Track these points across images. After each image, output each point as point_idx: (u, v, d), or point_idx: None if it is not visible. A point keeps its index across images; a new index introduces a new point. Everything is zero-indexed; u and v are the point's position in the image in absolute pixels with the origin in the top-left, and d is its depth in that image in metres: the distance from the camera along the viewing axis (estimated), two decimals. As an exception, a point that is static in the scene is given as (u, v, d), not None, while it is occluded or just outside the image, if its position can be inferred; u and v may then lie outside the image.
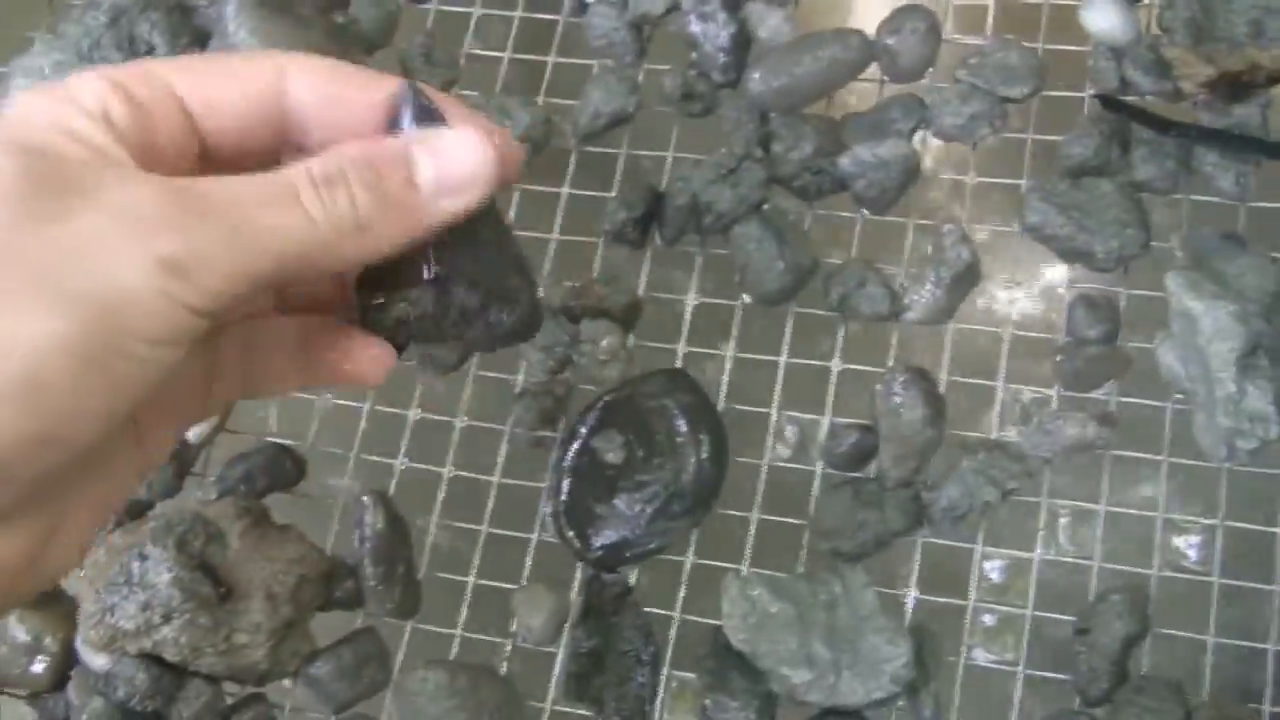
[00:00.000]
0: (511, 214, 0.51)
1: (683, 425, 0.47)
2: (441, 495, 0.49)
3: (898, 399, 0.46)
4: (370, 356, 0.30)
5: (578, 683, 0.46)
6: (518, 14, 0.55)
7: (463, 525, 0.48)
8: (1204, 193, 0.48)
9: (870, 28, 0.51)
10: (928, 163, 0.50)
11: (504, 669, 0.46)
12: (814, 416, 0.48)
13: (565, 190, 0.52)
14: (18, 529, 0.26)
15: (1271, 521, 0.45)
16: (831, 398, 0.48)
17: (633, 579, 0.47)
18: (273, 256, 0.26)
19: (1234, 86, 0.48)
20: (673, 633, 0.46)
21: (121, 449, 0.28)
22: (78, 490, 0.27)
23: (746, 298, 0.49)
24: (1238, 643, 0.44)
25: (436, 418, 0.50)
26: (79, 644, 0.46)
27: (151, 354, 0.25)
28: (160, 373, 0.25)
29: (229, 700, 0.46)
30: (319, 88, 0.29)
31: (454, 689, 0.44)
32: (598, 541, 0.47)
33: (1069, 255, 0.48)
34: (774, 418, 0.48)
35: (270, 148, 0.30)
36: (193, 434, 0.50)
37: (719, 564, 0.46)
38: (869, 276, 0.48)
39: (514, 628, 0.46)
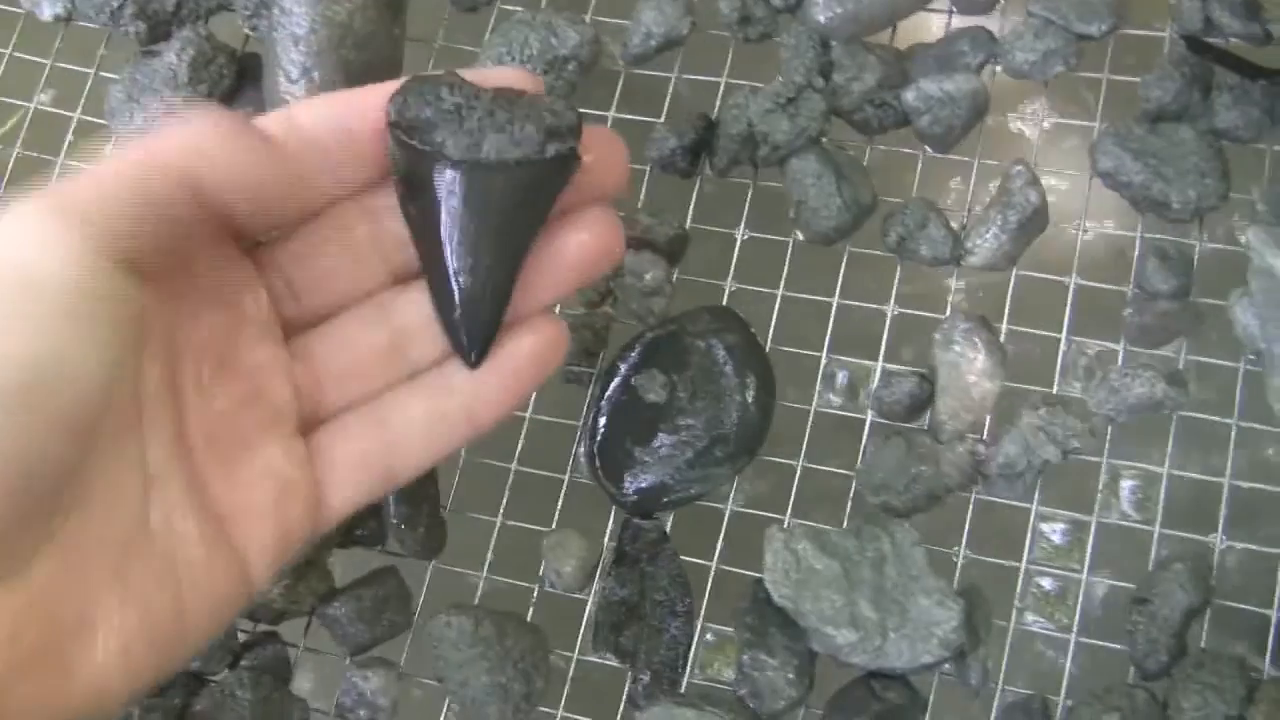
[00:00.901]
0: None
1: (729, 366, 0.44)
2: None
3: (957, 348, 0.44)
4: None
5: (608, 633, 0.43)
6: (565, -74, 0.52)
7: (492, 463, 0.45)
8: (1290, 143, 0.45)
9: (940, -46, 0.47)
10: (996, 100, 0.46)
11: (530, 615, 0.43)
12: (866, 362, 0.45)
13: (611, 114, 0.49)
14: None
15: (1348, 492, 0.42)
16: (885, 344, 0.45)
17: (669, 526, 0.44)
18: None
19: (1329, 32, 0.45)
20: (709, 584, 0.43)
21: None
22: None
23: (799, 235, 0.46)
24: (1306, 618, 0.41)
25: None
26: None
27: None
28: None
29: (241, 638, 0.44)
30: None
31: (478, 635, 0.41)
32: (633, 485, 0.44)
33: (1142, 204, 0.45)
34: (824, 362, 0.45)
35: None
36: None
37: (761, 513, 0.44)
38: (930, 218, 0.45)
39: (542, 573, 0.44)
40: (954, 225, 0.45)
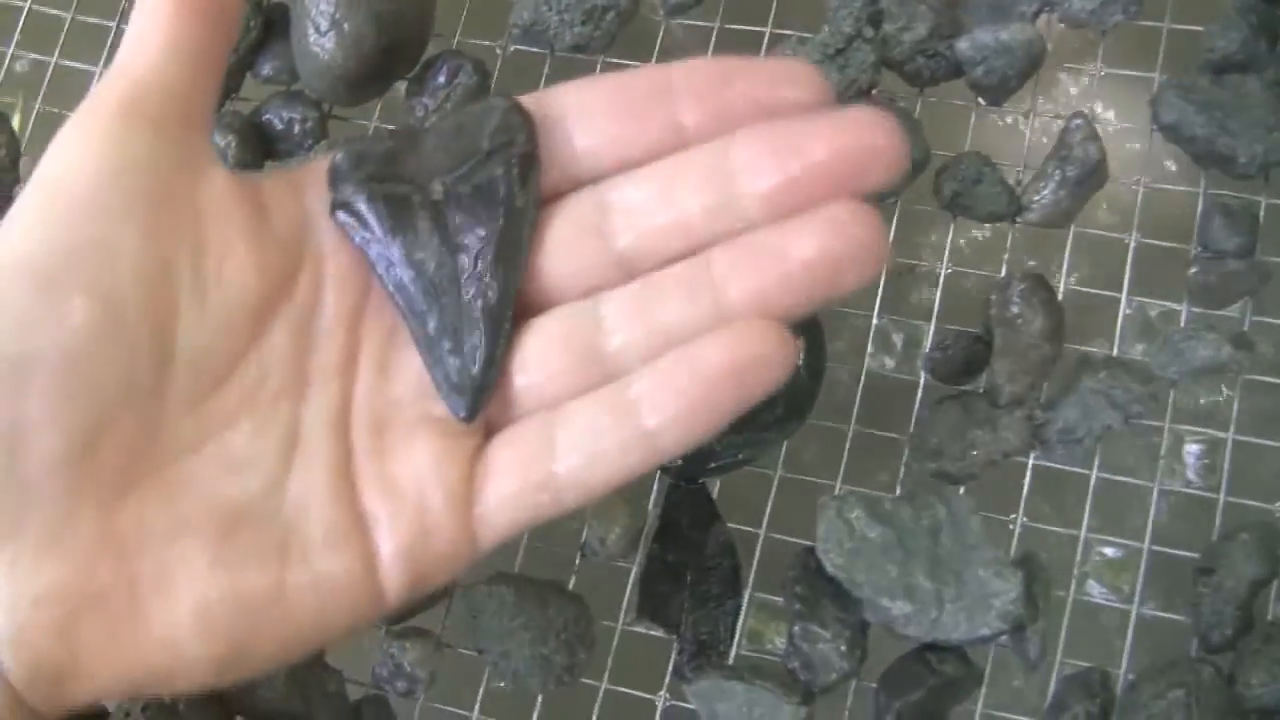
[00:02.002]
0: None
1: (777, 327, 0.42)
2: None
3: (1015, 308, 0.41)
4: None
5: (653, 602, 0.41)
6: None
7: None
8: (1364, 95, 0.42)
9: (996, -104, 0.44)
10: (1053, 50, 0.44)
11: (573, 584, 0.41)
12: (919, 323, 0.43)
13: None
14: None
15: None
16: (939, 304, 0.43)
17: (716, 492, 0.43)
18: None
19: None
20: (758, 552, 0.41)
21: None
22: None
23: None
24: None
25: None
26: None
27: None
28: None
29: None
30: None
31: (520, 605, 0.39)
32: (679, 450, 0.42)
33: (1206, 159, 0.43)
34: (875, 323, 0.43)
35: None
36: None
37: (810, 479, 0.42)
38: (985, 172, 0.43)
39: (585, 540, 0.42)
40: (1010, 180, 0.43)
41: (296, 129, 0.42)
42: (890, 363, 0.46)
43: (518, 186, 0.28)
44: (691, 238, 0.27)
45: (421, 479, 0.27)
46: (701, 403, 0.26)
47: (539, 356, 0.28)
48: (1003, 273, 0.43)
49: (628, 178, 0.28)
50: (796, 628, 0.40)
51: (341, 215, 0.28)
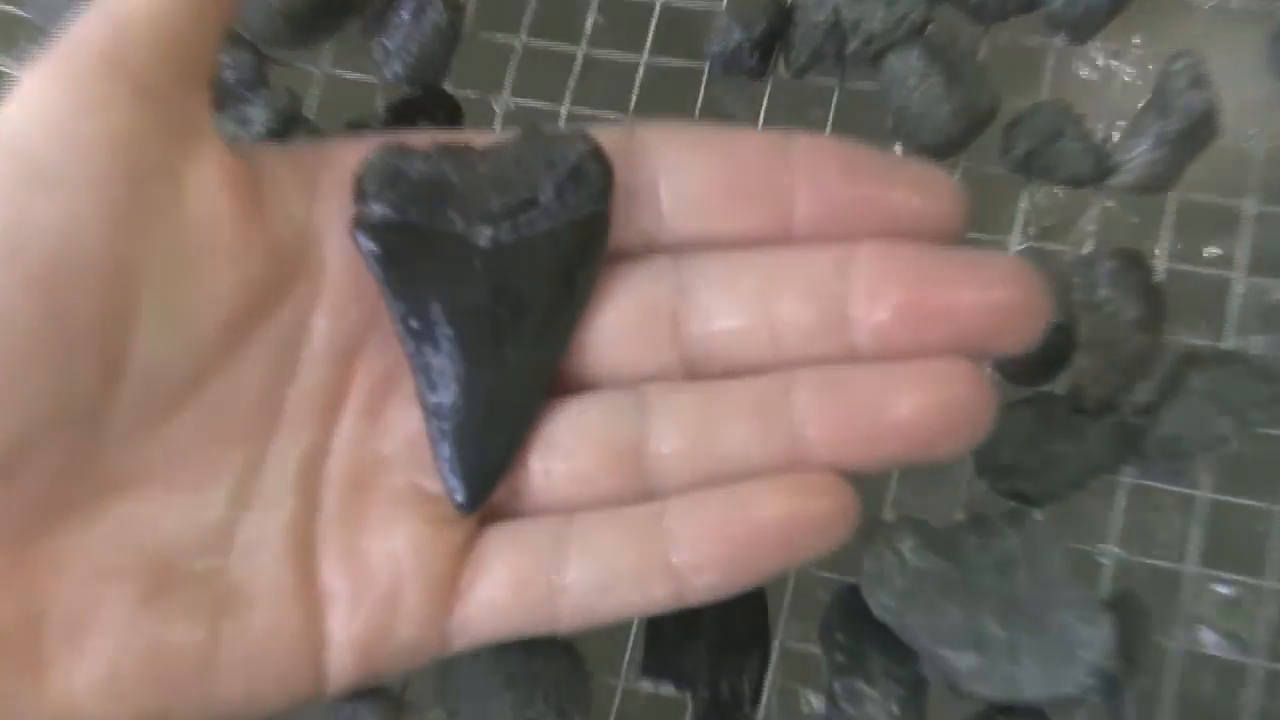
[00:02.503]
0: (587, 26, 0.42)
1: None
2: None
3: (1103, 291, 0.38)
4: None
5: (662, 653, 0.38)
6: None
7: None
8: None
9: None
10: (1148, -25, 0.40)
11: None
12: (986, 311, 0.39)
13: (660, 0, 0.42)
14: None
15: None
16: None
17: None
18: None
19: None
20: (789, 591, 0.38)
21: None
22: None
23: (899, 149, 0.40)
24: None
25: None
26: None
27: None
28: None
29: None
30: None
31: (501, 658, 0.35)
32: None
33: (1336, 107, 0.38)
34: (933, 310, 0.39)
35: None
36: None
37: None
38: (1067, 126, 0.39)
39: (579, 578, 0.38)
40: (1097, 136, 0.39)
41: (230, 77, 0.37)
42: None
43: (579, 253, 0.27)
44: (777, 353, 0.27)
45: (397, 565, 0.26)
46: (742, 556, 0.26)
47: (567, 448, 0.27)
48: (1087, 248, 0.39)
49: (718, 263, 0.27)
50: (837, 684, 0.36)
51: (363, 239, 0.26)
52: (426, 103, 0.39)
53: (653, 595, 0.26)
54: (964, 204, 0.26)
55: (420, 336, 0.26)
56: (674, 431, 0.27)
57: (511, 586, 0.27)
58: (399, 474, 0.27)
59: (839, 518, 0.26)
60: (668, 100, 0.41)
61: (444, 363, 0.26)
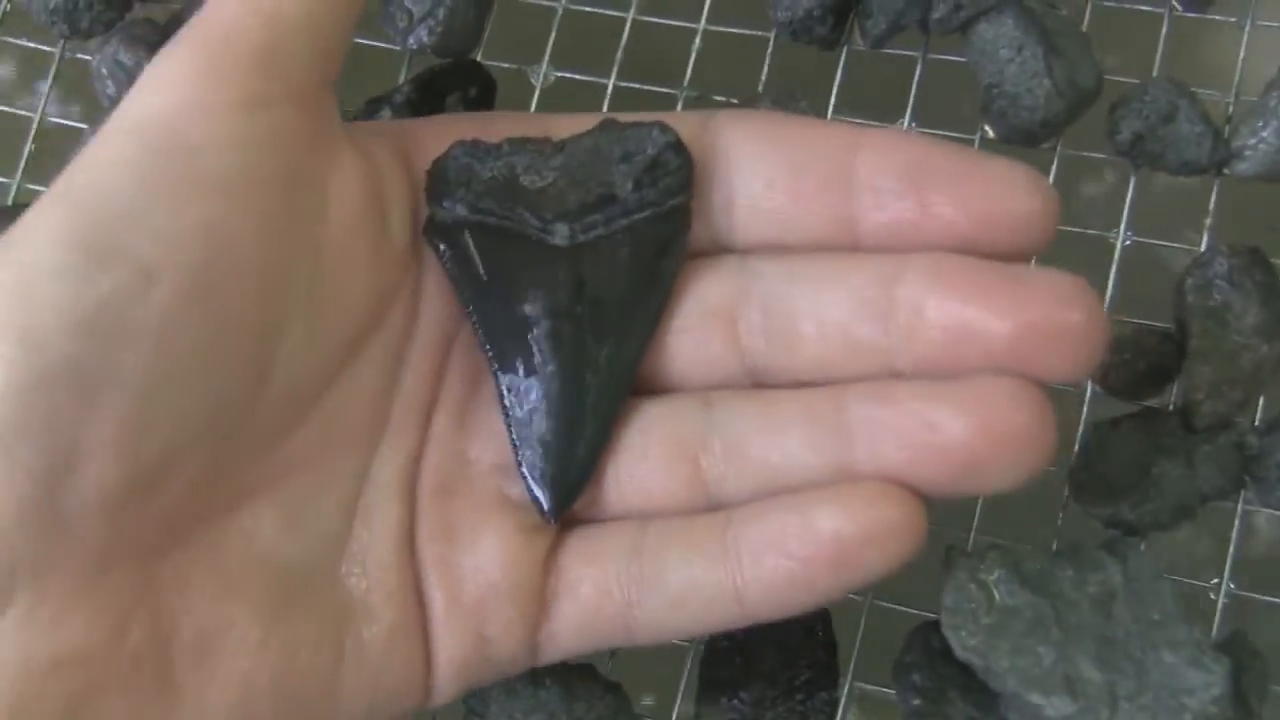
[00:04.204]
0: (640, -8, 0.44)
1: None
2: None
3: (1219, 294, 0.39)
4: None
5: (718, 693, 0.38)
6: None
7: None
8: None
9: None
10: (1276, -66, 0.41)
11: (609, 669, 0.39)
12: (1086, 315, 0.40)
13: None
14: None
15: None
16: (1113, 286, 0.40)
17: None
18: None
19: None
20: (861, 626, 0.39)
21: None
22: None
23: (989, 130, 0.41)
24: None
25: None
26: None
27: None
28: None
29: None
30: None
31: (539, 696, 0.36)
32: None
33: None
34: (1025, 312, 0.39)
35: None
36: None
37: (933, 527, 0.38)
38: (1181, 106, 0.40)
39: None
40: (1216, 117, 0.40)
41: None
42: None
43: (661, 249, 0.29)
44: (824, 367, 0.28)
45: (490, 580, 0.28)
46: (802, 576, 0.27)
47: (640, 453, 0.29)
48: (1203, 245, 0.40)
49: (781, 269, 0.29)
50: None
51: (437, 241, 0.29)
52: (456, 75, 0.41)
53: (720, 612, 0.28)
54: (1054, 204, 0.28)
55: (499, 340, 0.28)
56: (732, 439, 0.28)
57: (594, 603, 0.28)
58: (484, 481, 0.29)
59: (904, 530, 0.27)
60: (728, 74, 0.42)
61: (524, 366, 0.28)
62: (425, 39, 0.41)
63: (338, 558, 0.28)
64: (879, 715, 0.39)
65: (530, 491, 0.29)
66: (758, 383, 0.29)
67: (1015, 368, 0.27)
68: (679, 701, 0.39)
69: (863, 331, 0.28)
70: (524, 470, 0.29)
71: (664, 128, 0.29)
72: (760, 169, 0.29)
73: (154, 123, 0.25)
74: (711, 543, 0.28)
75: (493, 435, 0.29)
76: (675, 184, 0.29)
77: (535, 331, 0.28)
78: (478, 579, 0.28)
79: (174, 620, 0.25)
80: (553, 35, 0.42)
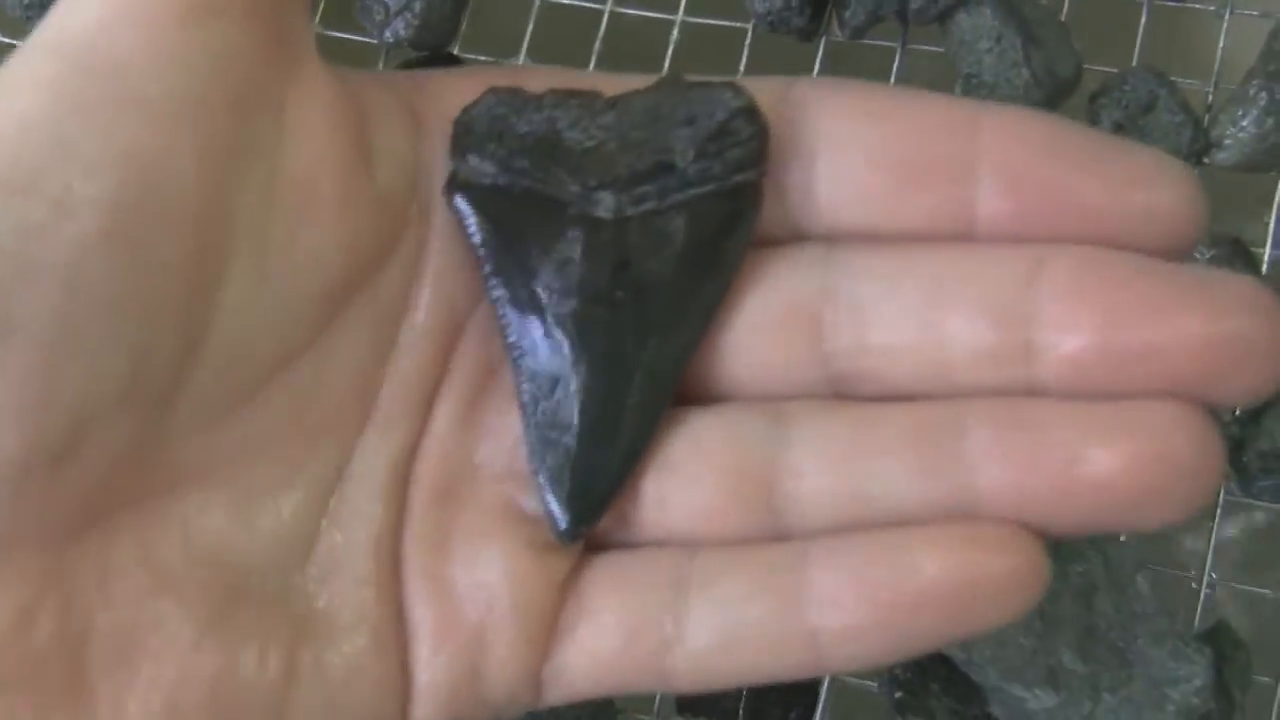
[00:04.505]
0: (619, -17, 0.43)
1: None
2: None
3: None
4: None
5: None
6: None
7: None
8: None
9: None
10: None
11: None
12: (1067, 305, 0.39)
13: None
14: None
15: None
16: None
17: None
18: None
19: None
20: None
21: None
22: None
23: None
24: None
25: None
26: None
27: None
28: None
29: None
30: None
31: None
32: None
33: None
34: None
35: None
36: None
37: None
38: (1160, 95, 0.40)
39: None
40: (1196, 106, 0.40)
41: None
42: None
43: (721, 232, 0.25)
44: (941, 380, 0.24)
45: (488, 597, 0.25)
46: (893, 624, 0.23)
47: (688, 472, 0.25)
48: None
49: (879, 261, 0.25)
50: None
51: (460, 202, 0.25)
52: (433, 69, 0.40)
53: (784, 660, 0.24)
54: (1203, 205, 0.24)
55: (521, 323, 0.25)
56: (817, 463, 0.24)
57: (620, 633, 0.25)
58: (493, 487, 0.25)
59: (1025, 582, 0.23)
60: (706, 66, 0.41)
61: (548, 356, 0.25)
62: (402, 32, 0.40)
63: (299, 561, 0.24)
64: (861, 708, 0.39)
65: (546, 504, 0.25)
66: (840, 395, 0.25)
67: (1187, 390, 0.22)
68: (659, 695, 0.38)
69: (993, 341, 0.23)
70: (540, 479, 0.25)
71: (737, 90, 0.25)
72: (859, 143, 0.25)
73: (78, 37, 0.22)
74: (782, 578, 0.24)
75: (507, 436, 0.26)
76: (745, 156, 0.24)
77: (565, 316, 0.24)
78: (476, 599, 0.25)
79: (90, 614, 0.22)
80: (530, 28, 0.42)
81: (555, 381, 0.24)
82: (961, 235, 0.24)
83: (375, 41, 0.41)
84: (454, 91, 0.26)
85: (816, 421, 0.25)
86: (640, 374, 0.24)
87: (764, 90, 0.25)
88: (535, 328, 0.25)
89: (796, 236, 0.25)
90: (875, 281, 0.25)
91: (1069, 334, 0.23)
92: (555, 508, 0.25)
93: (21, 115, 0.21)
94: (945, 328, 0.24)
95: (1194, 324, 0.22)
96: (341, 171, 0.24)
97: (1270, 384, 0.22)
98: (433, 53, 0.40)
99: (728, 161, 0.25)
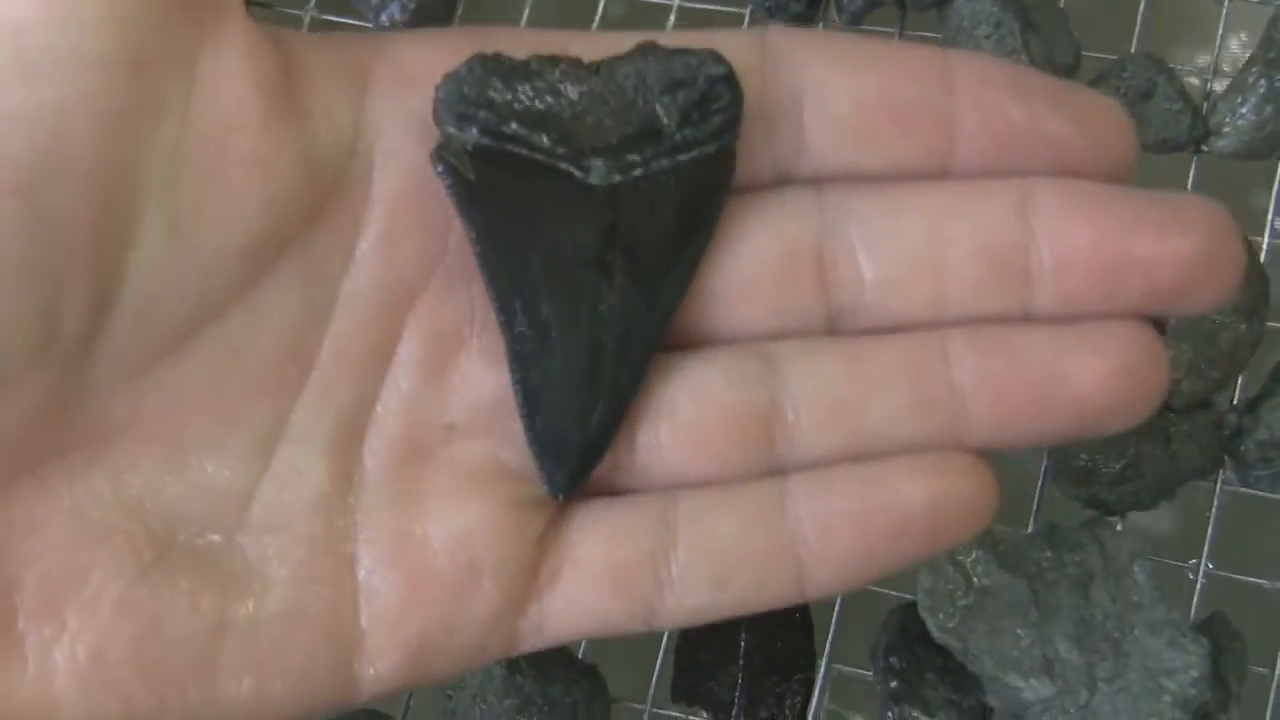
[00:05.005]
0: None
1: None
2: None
3: None
4: None
5: (694, 676, 0.39)
6: None
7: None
8: None
9: None
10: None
11: (583, 653, 0.39)
12: (1064, 293, 0.40)
13: None
14: None
15: None
16: None
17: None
18: None
19: None
20: (837, 608, 0.39)
21: None
22: None
23: None
24: None
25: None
26: None
27: None
28: None
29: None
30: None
31: (514, 680, 0.37)
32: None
33: None
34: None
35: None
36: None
37: (909, 509, 0.38)
38: (1159, 83, 0.40)
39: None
40: (1195, 93, 0.40)
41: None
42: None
43: (702, 194, 0.26)
44: (939, 309, 0.26)
45: (465, 552, 0.25)
46: (877, 547, 0.25)
47: (684, 415, 0.26)
48: None
49: (871, 199, 0.26)
50: (891, 714, 0.38)
51: (445, 170, 0.25)
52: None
53: (773, 590, 0.26)
54: (1136, 141, 0.26)
55: (511, 286, 0.25)
56: (812, 399, 0.26)
57: (608, 579, 0.25)
58: (469, 444, 0.26)
59: (983, 503, 0.25)
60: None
61: (540, 318, 0.25)
62: (398, 15, 0.40)
63: (235, 516, 0.24)
64: (856, 697, 0.39)
65: (536, 460, 0.25)
66: (839, 331, 0.26)
67: (1158, 303, 0.25)
68: (654, 684, 0.39)
69: (991, 268, 0.25)
70: (528, 435, 0.25)
71: (717, 58, 0.26)
72: (841, 86, 0.26)
73: None
74: (769, 513, 0.25)
75: (484, 396, 0.26)
76: (724, 122, 0.25)
77: (553, 278, 0.25)
78: (449, 554, 0.25)
79: (18, 567, 0.23)
80: (526, 11, 0.41)
81: (545, 344, 0.25)
82: (941, 172, 0.26)
83: (370, 25, 0.41)
84: (416, 55, 0.26)
85: (809, 359, 0.26)
86: (628, 334, 0.25)
87: (741, 43, 0.26)
88: (525, 292, 0.25)
89: (784, 181, 0.26)
90: (874, 219, 0.26)
91: (1064, 257, 0.25)
92: (546, 463, 0.25)
93: None
94: (946, 259, 0.25)
95: (1173, 241, 0.24)
96: (259, 128, 0.24)
97: (1227, 295, 0.25)
98: (428, 36, 0.40)
99: (710, 127, 0.25)
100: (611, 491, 0.26)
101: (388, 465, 0.25)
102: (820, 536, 0.25)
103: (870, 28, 0.41)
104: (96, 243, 0.22)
